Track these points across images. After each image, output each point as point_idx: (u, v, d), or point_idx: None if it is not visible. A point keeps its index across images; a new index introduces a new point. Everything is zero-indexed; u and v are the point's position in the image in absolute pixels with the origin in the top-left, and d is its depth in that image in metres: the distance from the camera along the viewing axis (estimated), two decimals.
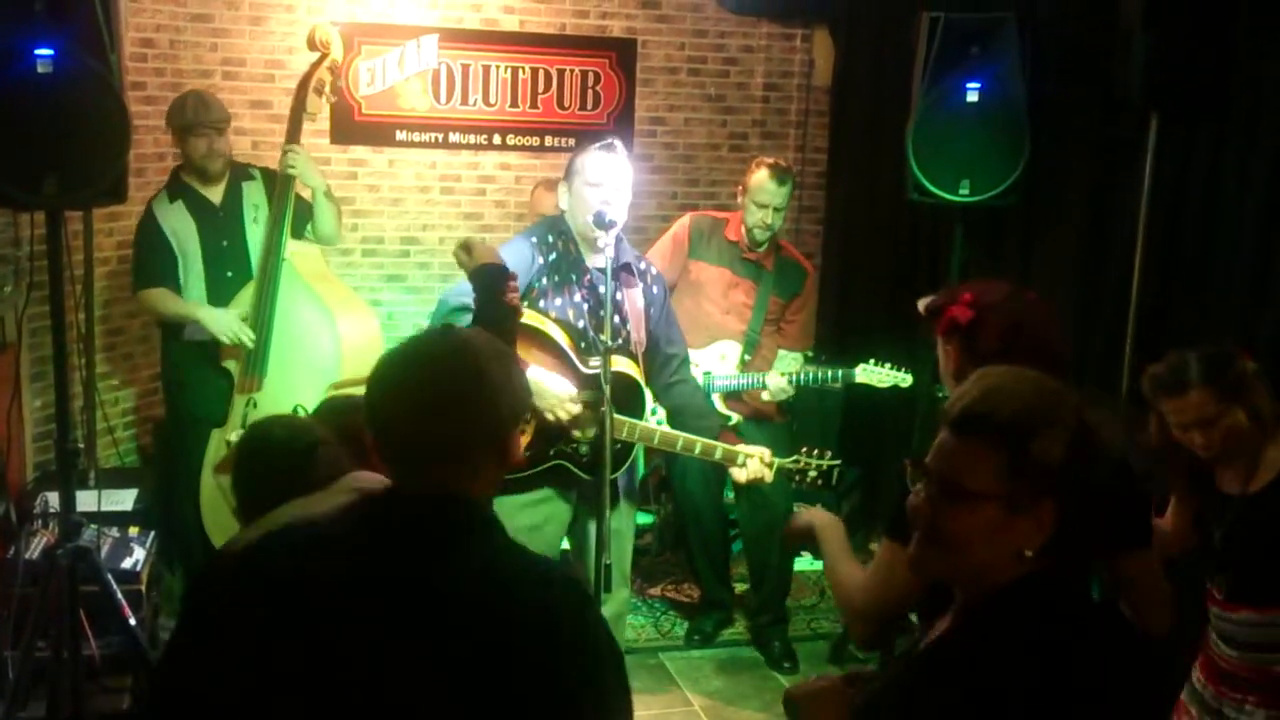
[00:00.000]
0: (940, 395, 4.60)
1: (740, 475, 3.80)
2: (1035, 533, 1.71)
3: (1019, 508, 1.70)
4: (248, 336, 4.65)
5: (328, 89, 4.87)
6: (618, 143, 3.79)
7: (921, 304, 2.70)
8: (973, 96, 4.57)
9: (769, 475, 3.80)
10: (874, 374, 4.94)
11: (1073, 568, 1.78)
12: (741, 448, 3.82)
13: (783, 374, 4.93)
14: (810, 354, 5.33)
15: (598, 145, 3.77)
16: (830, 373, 4.95)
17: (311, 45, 4.87)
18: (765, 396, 4.93)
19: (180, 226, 4.81)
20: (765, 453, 3.79)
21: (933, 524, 1.76)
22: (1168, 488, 3.19)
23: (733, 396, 5.00)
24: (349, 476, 2.48)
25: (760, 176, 4.95)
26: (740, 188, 5.09)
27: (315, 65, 4.84)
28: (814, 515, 2.78)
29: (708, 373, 4.93)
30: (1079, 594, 1.83)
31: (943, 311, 2.58)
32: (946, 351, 2.59)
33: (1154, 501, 3.06)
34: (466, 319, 3.65)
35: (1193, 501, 3.14)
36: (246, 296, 4.72)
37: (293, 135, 4.81)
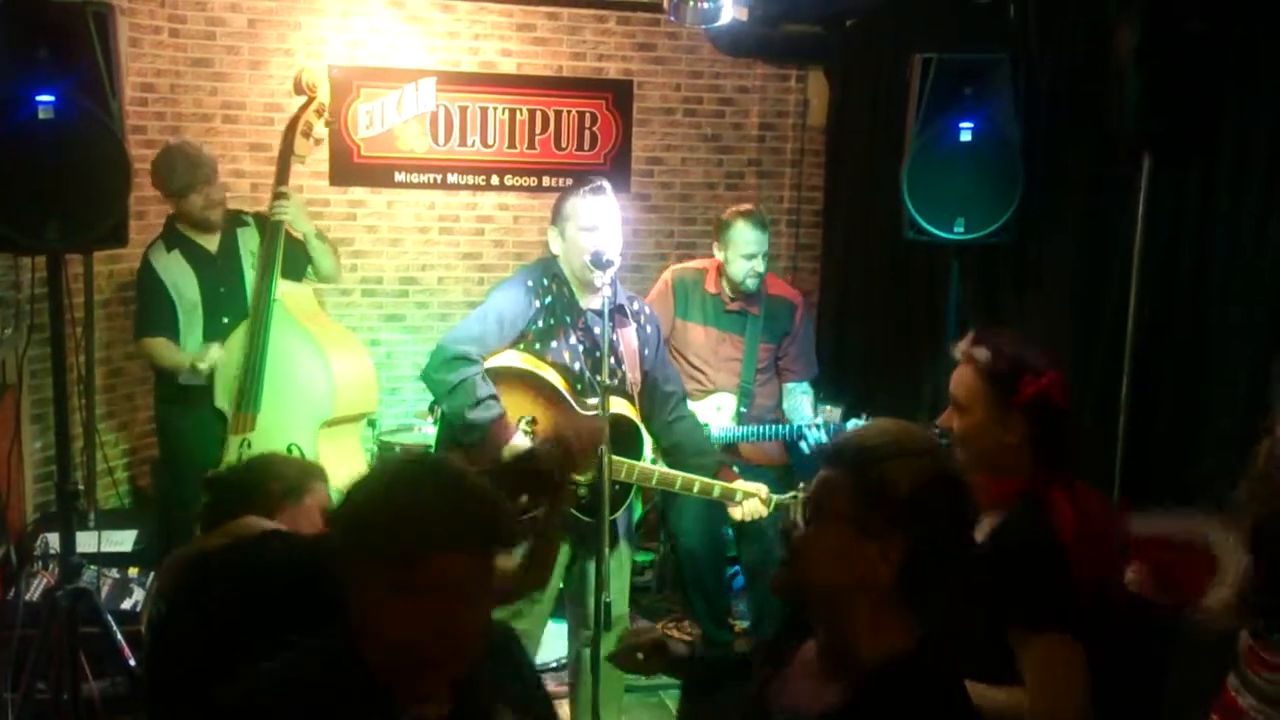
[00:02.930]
0: (938, 433, 4.63)
1: (737, 513, 3.81)
2: (880, 563, 1.78)
3: (865, 530, 1.79)
4: (210, 359, 4.66)
5: (315, 132, 4.89)
6: (605, 183, 3.80)
7: (979, 355, 2.58)
8: (966, 136, 4.59)
9: (765, 512, 3.80)
10: None
11: (940, 646, 1.81)
12: (739, 485, 3.82)
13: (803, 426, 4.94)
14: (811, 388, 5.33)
15: (587, 188, 3.77)
16: (820, 428, 4.94)
17: (298, 89, 4.90)
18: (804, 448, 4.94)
19: (178, 275, 4.82)
20: (763, 490, 3.79)
21: (792, 545, 1.90)
22: None
23: (729, 448, 4.98)
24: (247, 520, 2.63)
25: (741, 227, 4.93)
26: (715, 242, 5.07)
27: (303, 108, 4.86)
28: None
29: (704, 425, 4.93)
30: (947, 684, 1.85)
31: (1020, 379, 2.50)
32: (1008, 421, 2.50)
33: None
34: (465, 369, 3.67)
35: None
36: (238, 337, 4.73)
37: (281, 178, 4.81)
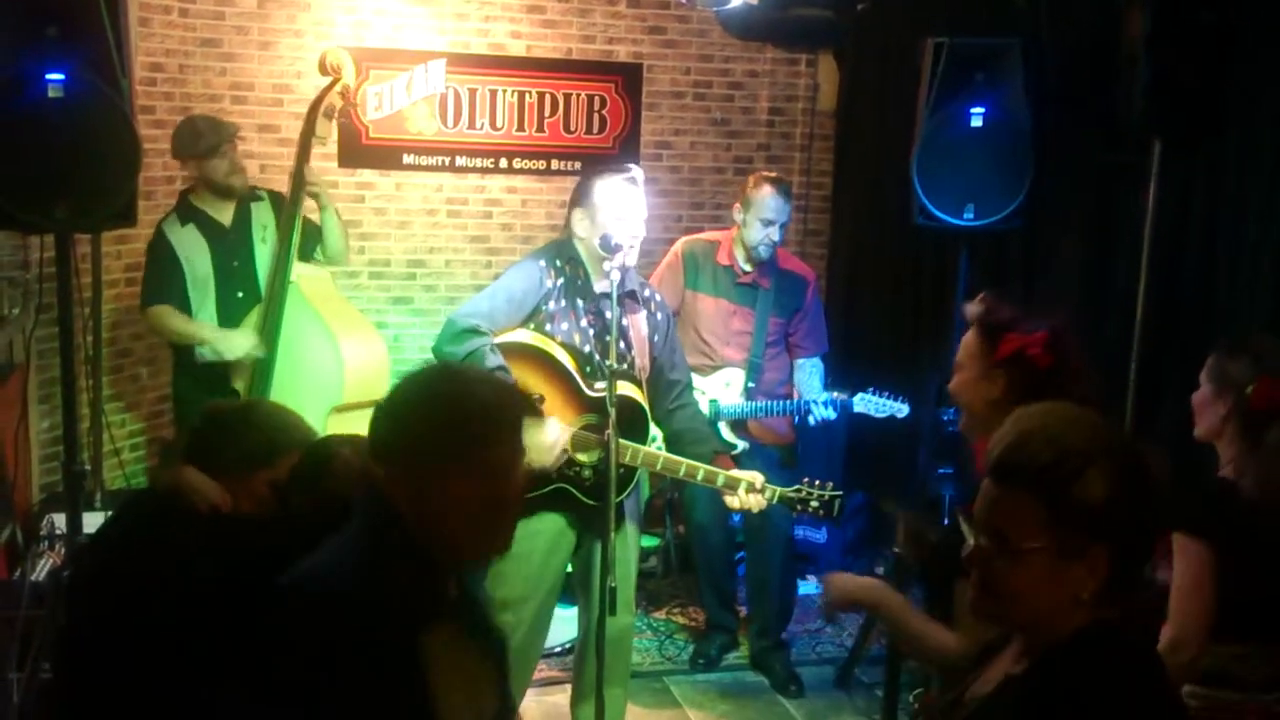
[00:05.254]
0: (946, 419, 4.63)
1: (733, 502, 3.80)
2: (1088, 578, 1.68)
3: (1068, 554, 1.68)
4: (260, 349, 4.64)
5: (338, 113, 4.88)
6: (638, 173, 3.80)
7: (973, 311, 2.63)
8: (977, 121, 4.58)
9: (759, 501, 3.77)
10: (871, 403, 4.94)
11: (1134, 612, 1.76)
12: (735, 473, 3.80)
13: (812, 400, 4.93)
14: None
15: (622, 176, 3.76)
16: (828, 404, 4.93)
17: (323, 70, 4.88)
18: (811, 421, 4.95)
19: (192, 248, 4.78)
20: (756, 480, 3.78)
21: (987, 576, 1.74)
22: None
23: (739, 424, 4.99)
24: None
25: (765, 192, 4.90)
26: (737, 205, 5.06)
27: (327, 89, 4.85)
28: (861, 589, 2.58)
29: (714, 400, 4.93)
30: (1143, 645, 1.79)
31: (1004, 336, 2.52)
32: (991, 376, 2.52)
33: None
34: (474, 341, 3.67)
35: None
36: (253, 319, 4.73)
37: (302, 158, 4.80)
